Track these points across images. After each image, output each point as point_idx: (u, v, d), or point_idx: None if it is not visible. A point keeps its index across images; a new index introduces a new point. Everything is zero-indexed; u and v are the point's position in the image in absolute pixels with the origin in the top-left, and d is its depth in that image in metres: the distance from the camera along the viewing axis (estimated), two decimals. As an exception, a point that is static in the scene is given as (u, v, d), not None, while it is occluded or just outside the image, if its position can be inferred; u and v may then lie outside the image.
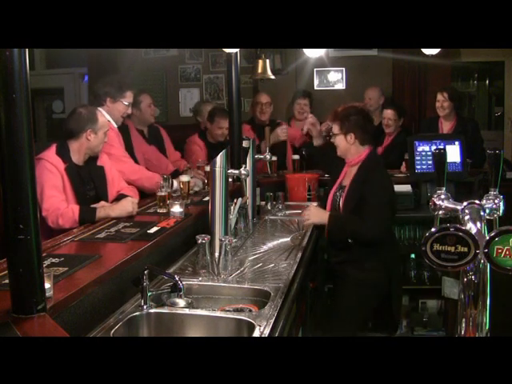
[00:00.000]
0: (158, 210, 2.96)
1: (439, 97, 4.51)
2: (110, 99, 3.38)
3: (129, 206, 2.81)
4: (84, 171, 2.92)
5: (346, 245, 2.99)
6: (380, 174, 3.04)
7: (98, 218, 2.71)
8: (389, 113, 4.61)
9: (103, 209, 2.77)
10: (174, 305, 2.01)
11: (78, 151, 2.88)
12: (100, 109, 3.36)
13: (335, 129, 3.07)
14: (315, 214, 3.07)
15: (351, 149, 3.04)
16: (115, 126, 3.43)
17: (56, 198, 2.71)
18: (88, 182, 2.93)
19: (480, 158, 4.23)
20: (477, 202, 1.55)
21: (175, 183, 3.30)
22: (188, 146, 4.57)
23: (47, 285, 1.61)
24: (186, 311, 1.99)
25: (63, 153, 2.84)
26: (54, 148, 2.85)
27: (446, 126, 4.56)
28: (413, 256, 4.02)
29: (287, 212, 3.66)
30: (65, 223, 2.67)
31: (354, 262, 2.99)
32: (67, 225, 2.68)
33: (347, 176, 3.10)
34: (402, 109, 4.83)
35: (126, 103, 3.43)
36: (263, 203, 3.71)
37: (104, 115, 3.11)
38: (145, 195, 3.39)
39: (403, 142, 4.31)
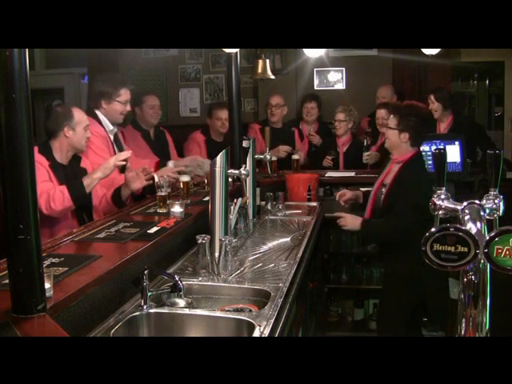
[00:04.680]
0: (158, 210, 2.95)
1: (428, 100, 4.55)
2: (104, 101, 3.32)
3: (110, 161, 2.84)
4: (68, 170, 2.95)
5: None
6: (418, 177, 3.00)
7: (88, 188, 2.76)
8: (382, 112, 4.58)
9: (87, 177, 2.81)
10: (173, 305, 2.01)
11: (59, 149, 2.92)
12: (97, 112, 3.33)
13: (392, 122, 3.04)
14: (350, 222, 3.14)
15: (401, 146, 3.03)
16: (106, 131, 3.36)
17: (45, 183, 2.73)
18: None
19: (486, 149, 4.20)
20: (477, 201, 1.55)
21: (156, 177, 3.08)
22: (187, 143, 4.56)
23: (47, 285, 1.61)
24: (186, 311, 1.99)
25: (46, 152, 2.88)
26: (36, 148, 2.86)
27: (442, 126, 4.58)
28: (413, 256, 4.01)
29: (287, 212, 3.65)
30: (57, 205, 2.69)
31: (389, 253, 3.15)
32: (60, 206, 2.69)
33: (390, 173, 3.11)
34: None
35: (122, 101, 3.35)
36: (263, 203, 3.71)
37: (81, 112, 3.03)
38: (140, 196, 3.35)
39: None
